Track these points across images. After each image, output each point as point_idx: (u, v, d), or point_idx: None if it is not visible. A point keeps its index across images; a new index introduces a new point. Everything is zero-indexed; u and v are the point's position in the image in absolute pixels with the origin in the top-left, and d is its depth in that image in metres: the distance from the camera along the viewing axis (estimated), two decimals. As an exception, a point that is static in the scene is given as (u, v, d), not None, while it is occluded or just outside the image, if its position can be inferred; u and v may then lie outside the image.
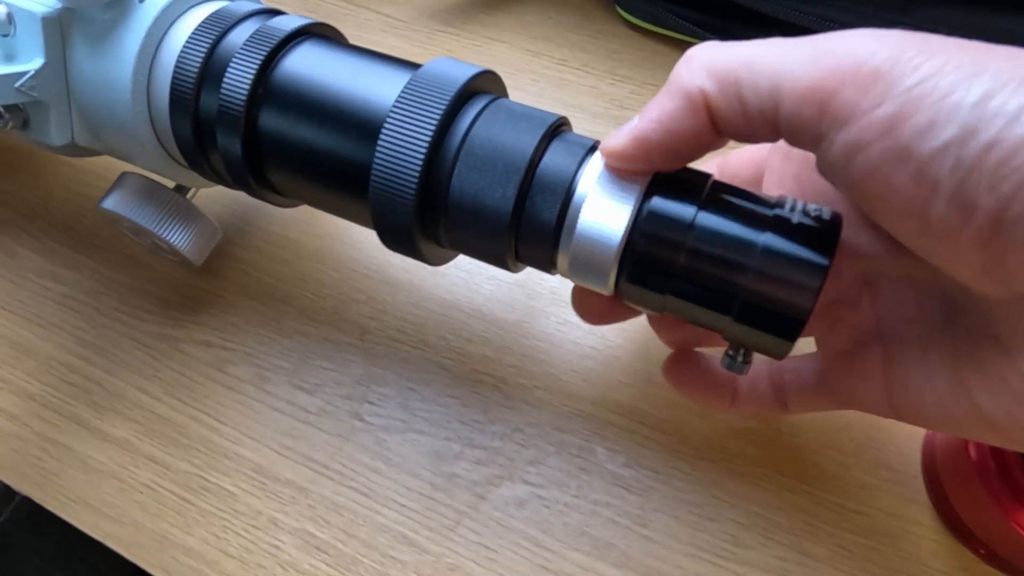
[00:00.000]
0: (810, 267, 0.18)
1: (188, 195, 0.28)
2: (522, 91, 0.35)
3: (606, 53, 0.37)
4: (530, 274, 0.30)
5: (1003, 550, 0.21)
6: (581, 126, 0.34)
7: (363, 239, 0.31)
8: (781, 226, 0.18)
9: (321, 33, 0.23)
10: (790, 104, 0.16)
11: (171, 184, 0.27)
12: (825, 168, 0.17)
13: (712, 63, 0.17)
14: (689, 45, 0.37)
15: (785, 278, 0.18)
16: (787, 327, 0.18)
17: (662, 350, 0.28)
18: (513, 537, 0.25)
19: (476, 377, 0.28)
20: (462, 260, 0.31)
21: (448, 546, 0.25)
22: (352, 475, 0.26)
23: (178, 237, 0.27)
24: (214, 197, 0.32)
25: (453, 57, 0.21)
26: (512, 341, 0.29)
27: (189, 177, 0.27)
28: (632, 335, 0.28)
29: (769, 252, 0.18)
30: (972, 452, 0.21)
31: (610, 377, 0.27)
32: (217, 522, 0.26)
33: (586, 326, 0.28)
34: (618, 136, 0.18)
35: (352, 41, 0.25)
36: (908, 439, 0.25)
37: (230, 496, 0.26)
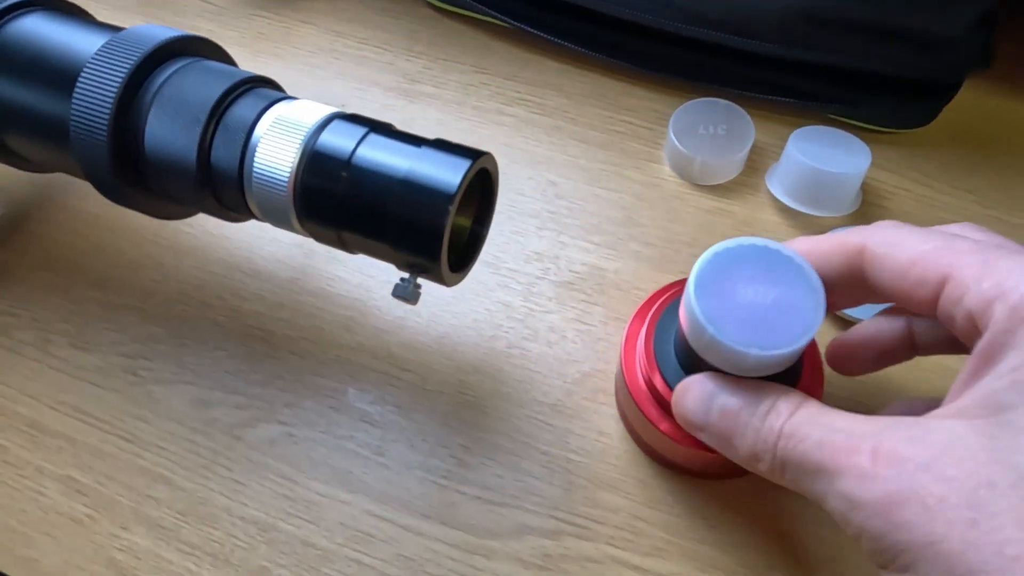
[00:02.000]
0: (443, 190, 0.20)
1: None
2: (323, 69, 0.37)
3: (406, 32, 0.39)
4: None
5: (658, 446, 0.24)
6: (376, 99, 0.36)
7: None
8: (423, 158, 0.20)
9: (54, 6, 0.25)
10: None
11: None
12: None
13: None
14: (489, 25, 0.40)
15: (422, 202, 0.20)
16: (430, 247, 0.20)
17: (422, 301, 0.30)
18: (263, 472, 0.27)
19: (247, 332, 0.30)
20: (249, 224, 0.32)
21: (201, 482, 0.26)
22: (119, 424, 0.28)
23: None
24: (7, 172, 0.34)
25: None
26: (285, 297, 0.30)
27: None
28: (391, 288, 0.30)
29: (407, 182, 0.20)
30: (633, 380, 0.23)
31: (369, 326, 0.29)
32: (-15, 474, 0.27)
33: (354, 280, 0.30)
34: None
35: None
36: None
37: (1, 450, 0.27)
